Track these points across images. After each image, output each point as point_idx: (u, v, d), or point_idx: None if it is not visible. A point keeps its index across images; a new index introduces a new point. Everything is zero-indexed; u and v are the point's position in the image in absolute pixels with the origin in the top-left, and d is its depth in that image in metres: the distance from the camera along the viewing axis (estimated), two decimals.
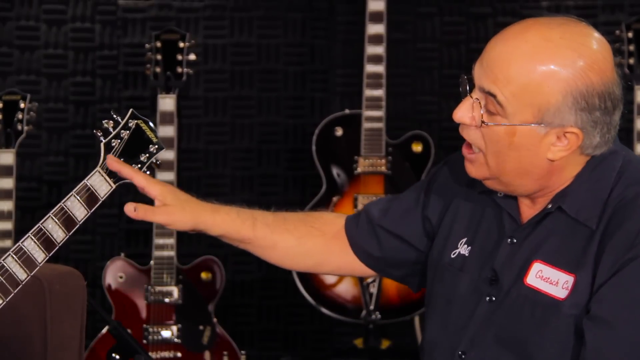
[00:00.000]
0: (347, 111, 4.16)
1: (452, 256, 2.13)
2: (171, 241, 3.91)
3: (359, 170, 4.09)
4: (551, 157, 1.97)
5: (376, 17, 4.10)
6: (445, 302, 2.12)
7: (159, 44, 3.99)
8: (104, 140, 2.13)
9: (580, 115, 1.93)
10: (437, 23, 4.38)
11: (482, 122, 1.97)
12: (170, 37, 4.01)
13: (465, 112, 2.00)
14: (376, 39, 4.10)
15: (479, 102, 1.97)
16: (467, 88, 2.01)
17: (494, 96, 1.95)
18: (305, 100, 4.43)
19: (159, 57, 3.98)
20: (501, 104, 1.95)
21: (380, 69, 4.09)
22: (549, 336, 1.97)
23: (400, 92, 4.34)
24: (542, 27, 1.95)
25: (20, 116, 3.88)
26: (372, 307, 3.95)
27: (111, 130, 2.14)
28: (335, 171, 4.13)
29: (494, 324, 2.03)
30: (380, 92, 4.08)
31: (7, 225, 3.81)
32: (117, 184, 2.14)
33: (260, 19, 4.40)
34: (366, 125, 4.09)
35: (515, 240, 2.05)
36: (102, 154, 2.13)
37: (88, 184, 2.11)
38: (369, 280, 3.96)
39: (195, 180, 4.38)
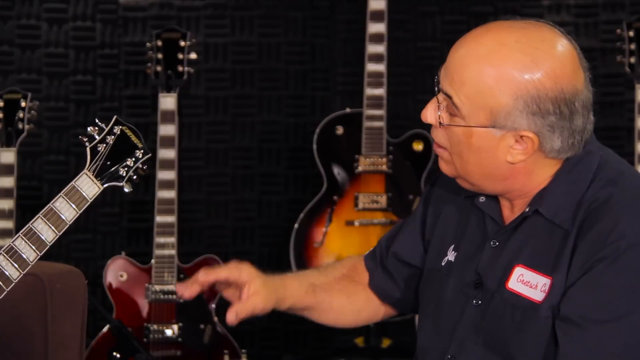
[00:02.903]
0: (347, 110, 4.16)
1: (442, 264, 2.14)
2: (172, 240, 3.91)
3: (360, 169, 4.09)
4: (510, 160, 1.98)
5: (377, 16, 4.10)
6: (434, 307, 2.13)
7: (159, 43, 3.99)
8: (89, 145, 2.15)
9: (532, 119, 1.94)
10: (438, 22, 4.38)
11: (440, 122, 2.00)
12: (171, 35, 4.01)
13: (429, 113, 2.03)
14: (377, 38, 4.10)
15: (440, 104, 2.01)
16: (435, 89, 2.04)
17: (450, 98, 1.98)
18: (306, 99, 4.43)
19: (159, 55, 3.98)
20: (456, 105, 1.97)
21: (381, 67, 4.09)
22: (529, 339, 1.98)
23: (401, 91, 4.34)
24: (500, 31, 1.97)
25: (21, 115, 3.88)
26: None
27: (96, 136, 2.18)
28: (336, 170, 4.13)
29: (482, 328, 2.04)
30: (381, 91, 4.08)
31: (8, 224, 3.81)
32: (104, 186, 2.18)
33: (261, 18, 4.40)
34: (367, 124, 4.09)
35: (497, 243, 2.05)
36: (88, 158, 2.17)
37: (75, 185, 2.15)
38: None
39: (196, 179, 4.38)
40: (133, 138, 2.19)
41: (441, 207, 2.19)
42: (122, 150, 2.18)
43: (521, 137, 1.95)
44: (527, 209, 2.02)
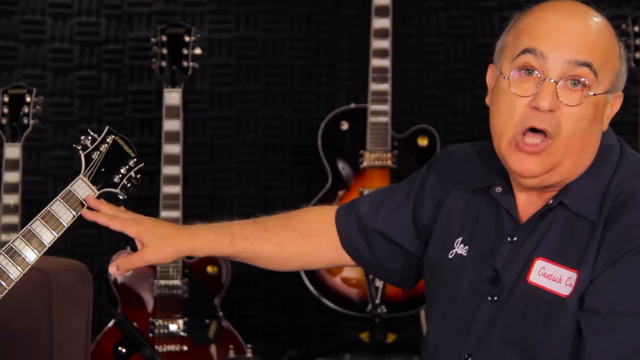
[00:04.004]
0: (352, 105, 4.16)
1: (450, 257, 2.11)
2: None
3: (365, 164, 4.09)
4: (604, 129, 2.02)
5: (382, 11, 4.09)
6: (446, 303, 2.11)
7: (164, 38, 3.99)
8: (83, 153, 2.20)
9: (624, 80, 2.04)
10: (442, 17, 4.38)
11: (591, 92, 1.95)
12: (176, 31, 4.01)
13: (550, 99, 1.94)
14: (382, 33, 4.09)
15: (561, 82, 1.95)
16: (540, 77, 1.96)
17: (589, 65, 1.95)
18: (311, 94, 4.43)
19: (164, 51, 3.98)
20: (596, 72, 1.96)
21: (385, 63, 4.08)
22: (555, 334, 1.97)
23: (405, 86, 4.34)
24: (588, 7, 2.06)
25: (26, 110, 3.88)
26: (377, 301, 3.96)
27: (89, 145, 2.23)
28: (340, 165, 4.13)
29: (499, 324, 2.02)
30: (385, 86, 4.08)
31: (14, 219, 3.82)
32: (100, 191, 2.23)
33: (265, 13, 4.40)
34: (372, 119, 4.09)
35: (516, 239, 2.04)
36: (83, 163, 2.22)
37: (72, 190, 2.19)
38: None
39: (200, 175, 4.39)
40: (125, 147, 2.24)
41: (441, 198, 2.17)
42: (116, 159, 2.23)
43: (615, 99, 2.01)
44: (551, 201, 2.01)
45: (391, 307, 3.98)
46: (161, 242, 2.20)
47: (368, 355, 4.01)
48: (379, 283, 3.96)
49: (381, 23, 4.09)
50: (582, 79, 1.95)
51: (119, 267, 2.18)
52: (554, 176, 1.99)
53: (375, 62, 4.09)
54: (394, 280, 2.31)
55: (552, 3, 2.02)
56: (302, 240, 2.29)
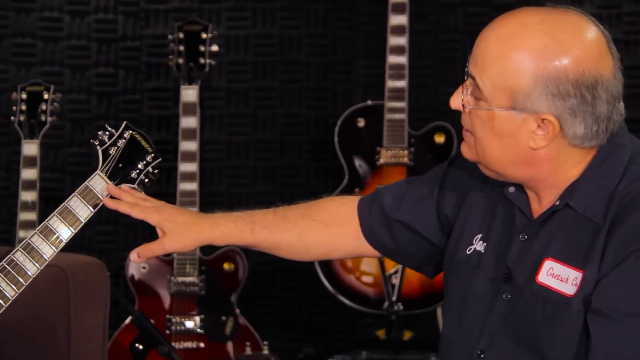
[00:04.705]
0: (369, 102, 4.16)
1: (468, 252, 2.12)
2: None
3: (381, 161, 4.09)
4: (533, 146, 1.96)
5: (399, 8, 4.09)
6: (461, 299, 2.11)
7: (181, 35, 3.99)
8: (100, 148, 2.20)
9: (552, 101, 1.92)
10: (459, 13, 4.37)
11: (463, 106, 2.00)
12: (193, 28, 4.01)
13: (456, 98, 2.04)
14: (399, 30, 4.09)
15: (465, 88, 2.00)
16: (465, 76, 2.03)
17: (474, 79, 1.98)
18: (328, 91, 4.42)
19: (181, 48, 3.98)
20: (480, 88, 1.97)
21: (402, 59, 4.08)
22: (561, 333, 1.97)
23: (422, 83, 4.33)
24: (525, 13, 1.97)
25: (44, 107, 3.89)
26: (394, 299, 3.95)
27: (107, 140, 2.22)
28: (357, 162, 4.13)
29: (511, 323, 2.02)
30: (402, 83, 4.07)
31: (32, 216, 3.83)
32: (118, 187, 2.21)
33: (282, 10, 4.40)
34: (388, 116, 4.09)
35: (526, 237, 2.04)
36: (100, 159, 2.21)
37: (89, 185, 2.18)
38: (391, 271, 3.96)
39: (217, 171, 4.39)
40: (143, 143, 2.23)
41: (464, 192, 2.17)
42: (133, 154, 2.22)
43: (542, 121, 1.94)
44: (558, 202, 2.01)
45: (407, 305, 3.98)
46: (182, 230, 2.19)
47: (384, 353, 4.01)
48: (395, 280, 3.96)
49: (398, 20, 4.09)
50: (469, 90, 2.00)
51: (139, 255, 2.18)
52: (487, 171, 2.04)
53: (392, 59, 4.08)
54: (417, 267, 2.31)
55: (509, 12, 2.02)
56: (323, 230, 2.28)
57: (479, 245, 2.11)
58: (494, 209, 2.11)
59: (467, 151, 2.06)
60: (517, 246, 2.04)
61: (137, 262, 2.23)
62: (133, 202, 2.21)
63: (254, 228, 2.25)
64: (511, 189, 2.07)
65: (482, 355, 2.05)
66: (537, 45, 1.92)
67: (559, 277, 1.98)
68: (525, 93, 1.93)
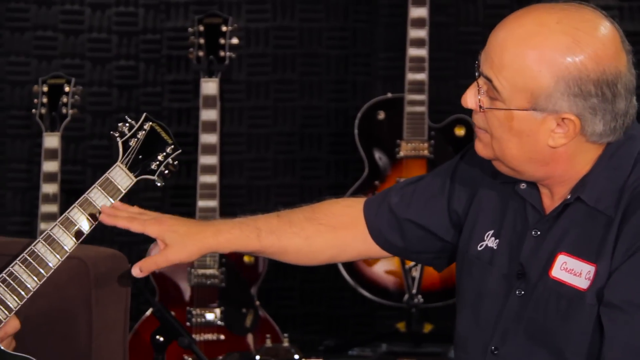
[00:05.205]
0: (389, 95, 4.15)
1: (479, 249, 2.12)
2: None
3: (402, 154, 4.09)
4: (552, 144, 1.96)
5: (419, 1, 4.08)
6: (475, 296, 2.11)
7: (201, 28, 4.00)
8: (120, 140, 2.19)
9: (574, 101, 1.92)
10: (480, 6, 4.36)
11: (480, 106, 1.99)
12: (213, 21, 4.02)
13: (469, 97, 2.02)
14: (419, 22, 4.08)
15: (479, 88, 1.99)
16: (476, 74, 2.02)
17: (490, 81, 1.96)
18: (348, 84, 4.42)
19: (201, 41, 3.99)
20: (497, 89, 1.96)
21: (422, 52, 4.07)
22: (575, 327, 1.97)
23: (443, 75, 4.32)
24: (541, 12, 1.95)
25: (65, 100, 3.91)
26: (414, 291, 3.95)
27: (127, 132, 2.21)
28: (377, 155, 4.12)
29: (525, 318, 2.02)
30: (422, 76, 4.07)
31: (53, 208, 3.85)
32: (137, 178, 2.21)
33: (302, 3, 4.39)
34: (409, 109, 4.08)
35: (539, 233, 2.04)
36: (120, 151, 2.20)
37: (109, 177, 2.18)
38: (412, 264, 3.95)
39: (237, 164, 4.40)
40: (163, 134, 2.22)
41: (475, 187, 2.16)
42: (153, 146, 2.21)
43: (563, 120, 1.94)
44: (569, 196, 2.00)
45: (428, 297, 3.98)
46: (185, 240, 2.16)
47: (404, 346, 4.01)
48: (415, 273, 3.96)
49: (418, 12, 4.08)
50: (484, 90, 1.99)
51: (142, 269, 2.14)
52: (503, 168, 2.03)
53: (412, 51, 4.08)
54: (428, 261, 2.31)
55: (521, 9, 2.01)
56: (329, 233, 2.26)
57: (490, 242, 2.10)
58: (504, 205, 2.11)
59: (482, 149, 2.04)
60: (530, 242, 2.04)
61: (140, 276, 2.17)
62: (130, 217, 2.18)
63: (260, 234, 2.22)
64: (522, 186, 2.07)
65: (496, 352, 2.05)
66: (558, 46, 1.91)
67: (572, 271, 1.98)
68: (546, 94, 1.93)
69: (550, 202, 2.05)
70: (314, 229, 2.25)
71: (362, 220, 2.27)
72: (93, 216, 2.17)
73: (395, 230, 2.24)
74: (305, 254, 2.27)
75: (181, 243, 2.16)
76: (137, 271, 2.15)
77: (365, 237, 2.27)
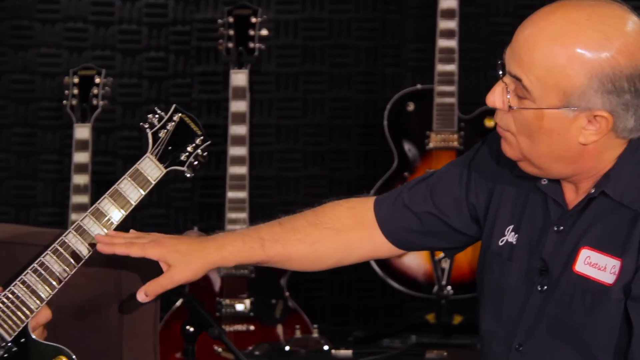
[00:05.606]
0: (419, 86, 4.15)
1: (500, 244, 2.10)
2: (243, 215, 3.93)
3: (431, 145, 4.08)
4: (583, 141, 1.94)
5: None
6: (496, 292, 2.10)
7: (231, 20, 4.00)
8: (150, 131, 2.19)
9: (607, 98, 1.90)
10: None
11: (510, 106, 1.96)
12: (243, 12, 4.02)
13: (497, 97, 1.98)
14: (449, 14, 4.07)
15: (507, 87, 1.96)
16: (500, 72, 1.99)
17: (519, 80, 1.94)
18: (377, 75, 4.42)
19: (231, 32, 4.00)
20: (527, 88, 1.93)
21: (452, 43, 4.06)
22: (601, 322, 1.96)
23: (472, 67, 4.31)
24: (570, 9, 1.93)
25: (95, 91, 3.93)
26: (444, 283, 3.95)
27: (156, 123, 2.22)
28: (406, 146, 4.12)
29: (547, 314, 2.01)
30: (452, 67, 4.06)
31: (84, 199, 3.87)
32: (167, 169, 2.21)
33: None
34: (438, 100, 4.07)
35: (562, 228, 2.02)
36: (150, 142, 2.20)
37: (139, 168, 2.19)
38: (441, 255, 3.95)
39: (266, 155, 4.40)
40: (192, 125, 2.22)
41: (493, 181, 2.14)
42: (182, 137, 2.21)
43: (594, 117, 1.92)
44: (593, 191, 1.99)
45: (457, 289, 3.97)
46: (188, 259, 2.13)
47: (434, 337, 4.00)
48: (445, 264, 3.95)
49: (448, 3, 4.07)
50: (512, 88, 1.96)
51: (147, 293, 2.12)
52: (529, 167, 2.01)
53: (442, 42, 4.07)
54: (441, 249, 2.30)
55: (547, 5, 1.98)
56: (335, 237, 2.23)
57: (510, 237, 2.09)
58: (524, 199, 2.09)
59: (509, 150, 2.02)
60: (552, 238, 2.03)
61: (145, 301, 2.13)
62: (127, 242, 2.15)
63: (264, 243, 2.19)
64: (544, 181, 2.05)
65: (520, 348, 2.04)
66: (590, 43, 1.90)
67: (596, 265, 1.96)
68: (579, 92, 1.91)
69: (573, 196, 2.03)
70: (319, 234, 2.22)
71: (369, 221, 2.24)
72: (124, 206, 2.18)
73: (410, 226, 2.21)
74: (311, 259, 2.24)
75: (184, 262, 2.13)
76: (142, 296, 2.12)
77: (372, 237, 2.24)
